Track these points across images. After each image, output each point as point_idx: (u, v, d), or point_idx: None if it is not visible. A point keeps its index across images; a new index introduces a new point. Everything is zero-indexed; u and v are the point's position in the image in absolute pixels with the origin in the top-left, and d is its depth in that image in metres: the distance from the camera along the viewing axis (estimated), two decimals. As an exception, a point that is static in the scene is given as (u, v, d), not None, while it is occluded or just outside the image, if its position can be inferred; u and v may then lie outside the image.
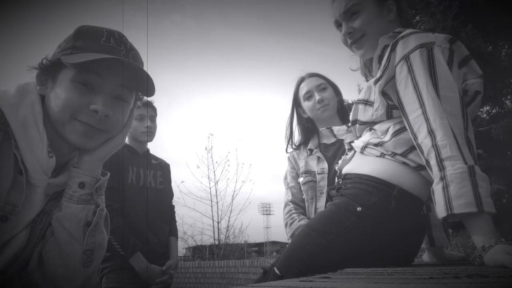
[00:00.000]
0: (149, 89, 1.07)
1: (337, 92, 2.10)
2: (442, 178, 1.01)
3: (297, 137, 2.21)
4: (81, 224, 1.02)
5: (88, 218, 1.03)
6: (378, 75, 1.24)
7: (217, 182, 11.58)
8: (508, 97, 5.94)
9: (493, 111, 6.12)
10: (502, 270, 0.78)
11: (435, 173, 1.04)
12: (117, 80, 1.03)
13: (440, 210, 1.01)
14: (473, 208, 0.96)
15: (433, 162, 1.04)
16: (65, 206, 1.02)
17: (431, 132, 1.05)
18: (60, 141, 1.03)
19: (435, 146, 1.04)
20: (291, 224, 2.04)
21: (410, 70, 1.13)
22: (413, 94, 1.12)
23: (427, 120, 1.07)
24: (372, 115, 1.26)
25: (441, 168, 1.02)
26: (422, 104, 1.09)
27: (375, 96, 1.26)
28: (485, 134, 5.32)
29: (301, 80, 2.14)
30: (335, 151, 2.02)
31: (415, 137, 1.11)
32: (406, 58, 1.14)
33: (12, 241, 0.99)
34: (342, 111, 2.12)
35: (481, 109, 6.00)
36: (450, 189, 0.99)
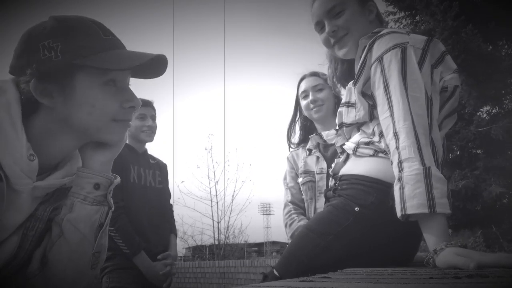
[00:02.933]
0: (160, 71, 1.05)
1: (335, 93, 2.10)
2: (400, 179, 1.03)
3: (297, 135, 2.22)
4: (95, 225, 1.00)
5: (101, 219, 1.01)
6: (355, 76, 1.25)
7: (217, 182, 11.60)
8: (508, 97, 5.93)
9: (493, 111, 6.12)
10: (502, 270, 0.77)
11: (395, 174, 1.06)
12: (129, 70, 1.02)
13: (397, 210, 1.04)
14: (425, 209, 0.98)
15: (394, 163, 1.07)
16: (78, 207, 0.99)
17: (395, 134, 1.08)
18: (51, 143, 0.99)
19: (398, 148, 1.06)
20: (290, 224, 2.05)
21: (383, 71, 1.15)
22: (384, 95, 1.14)
23: (393, 122, 1.09)
24: (355, 116, 1.28)
25: (400, 169, 1.04)
26: (390, 106, 1.11)
27: (355, 97, 1.27)
28: (485, 134, 5.31)
29: (302, 78, 2.15)
30: (334, 151, 2.01)
31: (385, 138, 1.14)
32: (380, 59, 1.16)
33: (1, 247, 0.96)
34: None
35: (481, 109, 6.00)
36: (405, 190, 1.01)
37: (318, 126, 2.12)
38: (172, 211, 2.57)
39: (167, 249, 2.38)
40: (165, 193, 2.51)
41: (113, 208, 1.06)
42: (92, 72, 0.94)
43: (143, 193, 2.31)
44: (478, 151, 5.83)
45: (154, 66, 1.03)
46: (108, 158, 1.05)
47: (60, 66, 0.92)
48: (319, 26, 1.38)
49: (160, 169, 2.50)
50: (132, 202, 2.24)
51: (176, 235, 2.52)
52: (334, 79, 1.52)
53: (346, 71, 1.46)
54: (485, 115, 6.10)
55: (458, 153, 5.70)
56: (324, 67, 1.67)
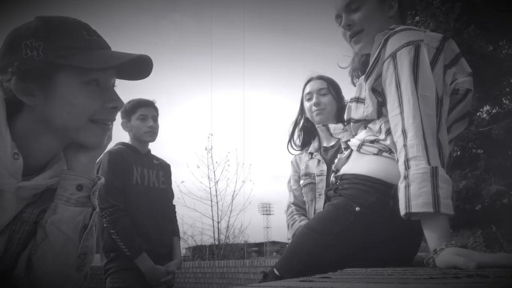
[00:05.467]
0: (146, 72, 1.05)
1: (338, 99, 2.11)
2: (406, 177, 1.03)
3: (298, 136, 2.24)
4: (78, 227, 0.99)
5: (85, 221, 1.01)
6: (367, 71, 1.24)
7: (217, 182, 11.59)
8: (508, 97, 5.94)
9: (493, 111, 6.12)
10: (502, 270, 0.77)
11: (401, 172, 1.06)
12: (113, 71, 1.02)
13: (401, 208, 1.03)
14: (429, 208, 0.98)
15: (401, 161, 1.06)
16: (61, 209, 0.99)
17: (404, 132, 1.08)
18: (35, 143, 0.99)
19: (405, 146, 1.06)
20: (292, 224, 2.09)
21: (395, 68, 1.14)
22: (394, 92, 1.13)
23: (402, 119, 1.09)
24: (364, 112, 1.27)
25: (406, 167, 1.04)
26: (400, 103, 1.11)
27: (365, 93, 1.26)
28: (485, 134, 5.32)
29: (308, 80, 2.17)
30: (334, 154, 2.04)
31: (392, 135, 1.13)
32: (394, 55, 1.15)
33: None
34: (341, 119, 2.13)
35: (481, 109, 6.00)
36: (410, 188, 1.01)
37: (318, 129, 2.14)
38: (175, 212, 2.57)
39: (170, 250, 2.38)
40: (169, 194, 2.51)
41: (97, 209, 1.05)
42: (73, 71, 0.94)
43: (146, 193, 2.31)
44: (479, 151, 5.83)
45: (138, 67, 1.03)
46: (90, 159, 1.04)
47: (41, 65, 0.92)
48: (339, 20, 1.38)
49: (163, 169, 2.49)
50: (135, 203, 2.24)
51: (179, 237, 2.51)
52: (353, 72, 1.51)
53: (363, 63, 1.45)
54: (485, 115, 6.10)
55: (458, 153, 5.71)
56: (343, 59, 1.64)
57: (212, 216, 11.63)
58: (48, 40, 0.94)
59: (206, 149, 11.82)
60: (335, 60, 1.61)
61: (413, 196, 1.00)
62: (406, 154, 1.05)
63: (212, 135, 13.49)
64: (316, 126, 2.12)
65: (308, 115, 2.13)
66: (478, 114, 5.86)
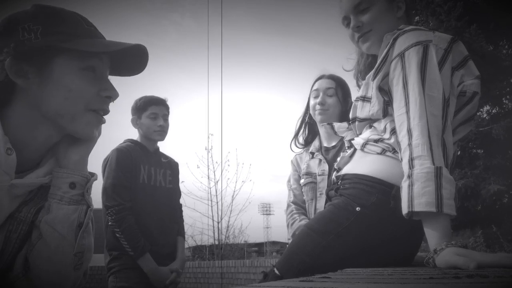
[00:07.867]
0: (142, 65, 1.06)
1: (344, 102, 2.10)
2: (409, 176, 1.03)
3: (302, 133, 2.23)
4: (73, 225, 0.98)
5: (80, 219, 0.99)
6: (374, 69, 1.24)
7: (217, 182, 11.58)
8: (508, 96, 5.94)
9: (493, 111, 6.13)
10: (502, 270, 0.77)
11: (405, 171, 1.06)
12: (109, 62, 1.02)
13: (404, 207, 1.03)
14: (432, 207, 0.98)
15: (405, 160, 1.06)
16: (55, 207, 0.97)
17: (409, 131, 1.08)
18: (28, 135, 0.97)
19: (410, 145, 1.06)
20: (292, 224, 2.08)
21: (403, 67, 1.14)
22: (401, 92, 1.13)
23: (408, 119, 1.09)
24: (370, 111, 1.27)
25: (411, 166, 1.04)
26: (407, 103, 1.11)
27: (372, 92, 1.27)
28: (485, 134, 5.32)
29: (319, 78, 2.15)
30: (335, 154, 2.04)
31: (397, 134, 1.13)
32: (402, 55, 1.16)
33: None
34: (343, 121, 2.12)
35: (481, 109, 6.01)
36: (414, 187, 1.01)
37: (320, 129, 2.13)
38: (181, 211, 2.54)
39: (174, 250, 2.36)
40: (175, 193, 2.48)
41: (92, 207, 1.03)
42: (71, 56, 0.94)
43: (152, 193, 2.30)
44: (479, 151, 5.84)
45: (134, 60, 1.03)
46: (81, 155, 1.03)
47: (39, 47, 0.92)
48: (346, 21, 1.37)
49: (171, 168, 2.47)
50: (141, 203, 2.22)
51: (183, 237, 2.48)
52: (358, 74, 1.50)
53: (368, 65, 1.45)
54: (485, 115, 6.11)
55: (458, 152, 5.71)
56: (346, 62, 1.64)
57: (212, 216, 11.63)
58: (47, 24, 0.94)
59: (206, 149, 11.83)
60: (338, 60, 1.60)
61: (416, 195, 1.00)
62: (411, 153, 1.05)
63: (212, 135, 13.44)
64: (319, 124, 2.11)
65: (311, 112, 2.12)
66: (478, 113, 5.86)
